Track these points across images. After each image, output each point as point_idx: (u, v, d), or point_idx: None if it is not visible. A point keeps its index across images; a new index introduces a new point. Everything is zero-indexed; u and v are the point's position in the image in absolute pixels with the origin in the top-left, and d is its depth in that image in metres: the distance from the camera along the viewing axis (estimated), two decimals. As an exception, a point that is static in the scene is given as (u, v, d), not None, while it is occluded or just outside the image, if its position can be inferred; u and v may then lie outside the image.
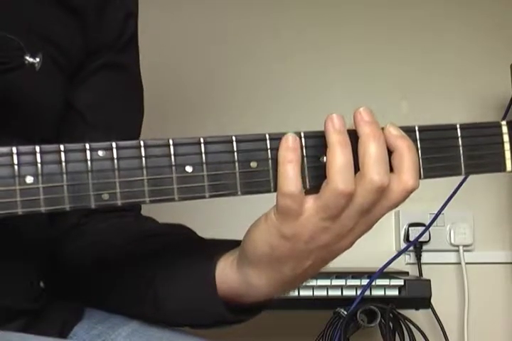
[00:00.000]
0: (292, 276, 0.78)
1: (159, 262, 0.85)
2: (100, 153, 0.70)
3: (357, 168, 0.73)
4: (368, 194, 0.72)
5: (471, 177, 1.38)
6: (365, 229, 0.75)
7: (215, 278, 0.80)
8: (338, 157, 0.72)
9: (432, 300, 1.75)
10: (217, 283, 0.80)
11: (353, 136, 0.74)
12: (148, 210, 0.96)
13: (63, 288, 0.95)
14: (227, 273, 0.80)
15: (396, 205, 0.74)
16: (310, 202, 0.72)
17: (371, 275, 1.71)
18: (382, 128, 0.74)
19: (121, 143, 0.71)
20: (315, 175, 0.73)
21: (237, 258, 0.79)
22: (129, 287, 0.88)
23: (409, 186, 0.73)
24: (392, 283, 1.72)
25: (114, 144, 0.70)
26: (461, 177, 1.69)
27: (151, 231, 0.92)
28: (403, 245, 2.01)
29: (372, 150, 0.72)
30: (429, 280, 1.76)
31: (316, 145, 0.74)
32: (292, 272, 0.77)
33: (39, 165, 0.68)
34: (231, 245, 0.81)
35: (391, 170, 0.73)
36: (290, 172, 0.72)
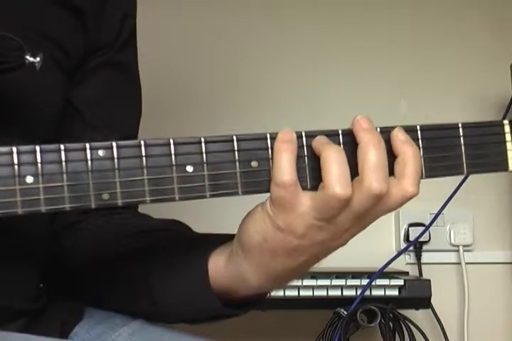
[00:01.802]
0: (284, 271, 0.77)
1: (154, 258, 0.86)
2: (100, 152, 0.70)
3: (355, 173, 0.72)
4: (365, 200, 0.72)
5: (471, 177, 1.38)
6: (360, 229, 0.76)
7: (208, 272, 0.80)
8: (333, 165, 0.71)
9: (432, 300, 1.75)
10: (210, 277, 0.80)
11: (352, 143, 0.73)
12: (147, 210, 0.95)
13: (62, 287, 0.95)
14: (220, 266, 0.80)
15: (393, 210, 0.74)
16: (306, 198, 0.72)
17: (371, 275, 1.71)
18: (388, 132, 0.74)
19: (122, 142, 0.70)
20: (316, 175, 0.73)
21: (230, 250, 0.79)
22: (124, 284, 0.88)
23: (409, 193, 0.73)
24: (392, 283, 1.72)
25: (114, 143, 0.70)
26: (461, 177, 1.69)
27: (146, 227, 0.92)
28: (403, 245, 2.01)
29: (371, 157, 0.72)
30: (429, 280, 1.76)
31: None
32: (284, 267, 0.77)
33: (39, 164, 0.68)
34: (226, 238, 0.81)
35: (392, 174, 0.73)
36: (283, 162, 0.71)
